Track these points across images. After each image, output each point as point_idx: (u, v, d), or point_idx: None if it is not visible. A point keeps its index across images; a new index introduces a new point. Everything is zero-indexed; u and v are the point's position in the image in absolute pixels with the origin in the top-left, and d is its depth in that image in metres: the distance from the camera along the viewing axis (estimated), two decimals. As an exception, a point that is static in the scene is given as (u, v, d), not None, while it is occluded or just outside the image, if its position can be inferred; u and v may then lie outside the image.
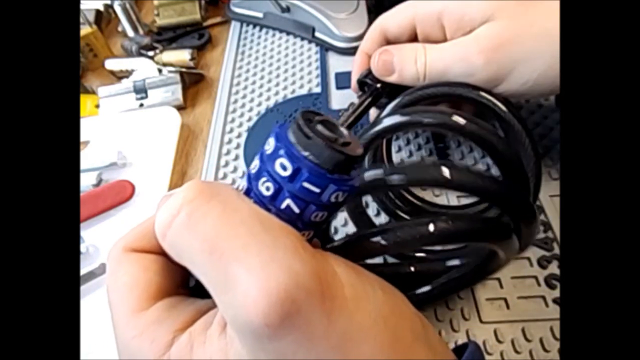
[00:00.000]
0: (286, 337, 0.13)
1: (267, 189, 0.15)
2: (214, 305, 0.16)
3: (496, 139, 0.23)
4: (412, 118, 0.24)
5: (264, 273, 0.13)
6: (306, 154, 0.15)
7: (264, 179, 0.15)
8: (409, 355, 0.15)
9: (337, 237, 0.22)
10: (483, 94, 0.27)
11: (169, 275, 0.17)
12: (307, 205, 0.15)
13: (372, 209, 0.34)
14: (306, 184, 0.15)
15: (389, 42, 0.33)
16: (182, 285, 0.18)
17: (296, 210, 0.15)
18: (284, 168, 0.15)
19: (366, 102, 0.33)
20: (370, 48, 0.34)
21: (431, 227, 0.18)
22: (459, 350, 0.18)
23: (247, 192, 0.16)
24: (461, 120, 0.23)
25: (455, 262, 0.27)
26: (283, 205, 0.15)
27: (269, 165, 0.15)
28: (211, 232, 0.14)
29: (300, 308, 0.13)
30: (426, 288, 0.26)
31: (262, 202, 0.16)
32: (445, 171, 0.18)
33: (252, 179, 0.16)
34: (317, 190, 0.15)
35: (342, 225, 0.33)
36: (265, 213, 0.15)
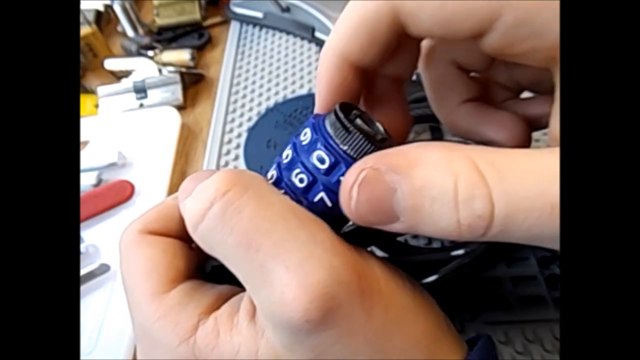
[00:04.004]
0: (325, 332, 0.13)
1: (301, 180, 0.15)
2: (236, 291, 0.16)
3: None
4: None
5: (304, 270, 0.13)
6: (345, 147, 0.14)
7: (297, 170, 0.15)
8: (435, 347, 0.15)
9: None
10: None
11: (187, 259, 0.17)
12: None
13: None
14: (342, 178, 0.14)
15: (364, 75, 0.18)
16: (198, 271, 0.18)
17: (329, 204, 0.15)
18: (322, 161, 0.14)
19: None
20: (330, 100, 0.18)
21: None
22: (469, 343, 0.18)
23: (277, 182, 0.16)
24: None
25: (459, 251, 0.27)
26: (316, 199, 0.15)
27: (303, 156, 0.15)
28: (247, 226, 0.14)
29: (341, 304, 0.13)
30: (433, 277, 0.26)
31: (294, 193, 0.15)
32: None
33: (283, 169, 0.16)
34: None
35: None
36: (299, 207, 0.15)
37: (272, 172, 0.16)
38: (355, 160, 0.14)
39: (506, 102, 0.21)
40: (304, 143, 0.15)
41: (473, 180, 0.12)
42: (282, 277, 0.13)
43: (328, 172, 0.14)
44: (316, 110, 0.18)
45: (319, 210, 0.15)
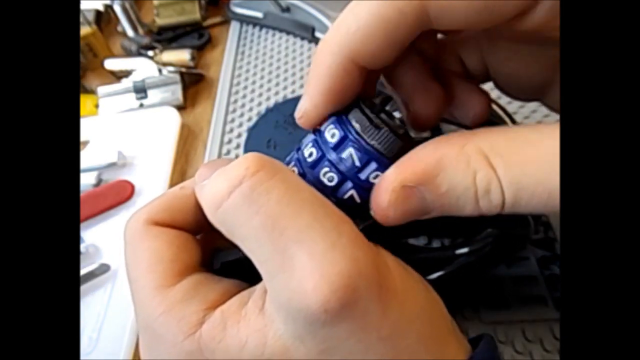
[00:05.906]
0: (340, 325, 0.13)
1: (330, 179, 0.15)
2: (243, 286, 0.16)
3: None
4: None
5: (327, 259, 0.13)
6: (373, 143, 0.14)
7: (325, 169, 0.15)
8: (444, 346, 0.15)
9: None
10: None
11: (193, 251, 0.17)
12: (369, 195, 0.15)
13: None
14: (374, 196, 0.14)
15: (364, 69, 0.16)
16: (204, 265, 0.17)
17: (358, 200, 0.15)
18: (352, 159, 0.14)
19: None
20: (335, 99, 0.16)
21: None
22: (472, 343, 0.18)
23: (301, 178, 0.16)
24: None
25: (464, 250, 0.27)
26: (346, 196, 0.15)
27: (331, 155, 0.15)
28: (274, 208, 0.13)
29: (360, 297, 0.13)
30: (438, 274, 0.26)
31: (321, 190, 0.15)
32: None
33: (307, 166, 0.15)
34: None
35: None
36: (324, 198, 0.14)
37: (293, 169, 0.16)
38: (384, 156, 0.14)
39: (454, 78, 0.21)
40: (330, 141, 0.15)
41: (488, 175, 0.14)
42: (304, 263, 0.13)
43: (359, 170, 0.14)
44: (305, 109, 0.16)
45: (345, 206, 0.15)
